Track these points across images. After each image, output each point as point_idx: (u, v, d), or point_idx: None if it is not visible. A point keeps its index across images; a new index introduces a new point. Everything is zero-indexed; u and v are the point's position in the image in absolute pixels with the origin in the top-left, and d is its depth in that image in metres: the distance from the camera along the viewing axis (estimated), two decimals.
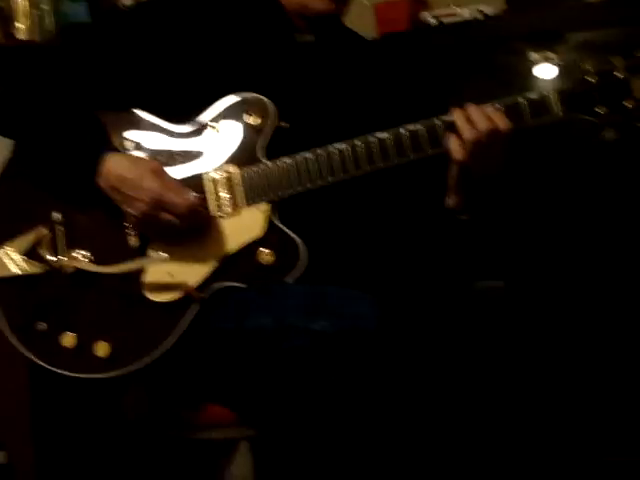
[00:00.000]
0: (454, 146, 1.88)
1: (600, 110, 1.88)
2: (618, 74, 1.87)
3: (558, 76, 3.06)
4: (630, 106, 1.87)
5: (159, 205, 1.86)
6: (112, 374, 1.91)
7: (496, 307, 2.77)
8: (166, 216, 1.87)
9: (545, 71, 3.12)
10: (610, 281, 2.95)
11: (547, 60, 3.11)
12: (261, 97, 1.96)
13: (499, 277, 3.00)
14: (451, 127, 1.89)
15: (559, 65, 3.08)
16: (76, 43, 2.10)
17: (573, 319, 2.92)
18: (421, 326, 2.03)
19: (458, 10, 3.22)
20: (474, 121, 1.86)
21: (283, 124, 1.97)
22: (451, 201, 2.03)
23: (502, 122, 1.87)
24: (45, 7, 3.29)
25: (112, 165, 1.89)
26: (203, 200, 1.93)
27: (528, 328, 2.85)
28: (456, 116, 1.89)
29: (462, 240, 2.65)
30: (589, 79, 1.89)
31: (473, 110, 1.88)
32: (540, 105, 1.89)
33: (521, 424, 2.05)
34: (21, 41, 3.24)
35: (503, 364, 2.01)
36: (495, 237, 2.94)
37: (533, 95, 1.90)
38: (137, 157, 1.94)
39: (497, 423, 1.99)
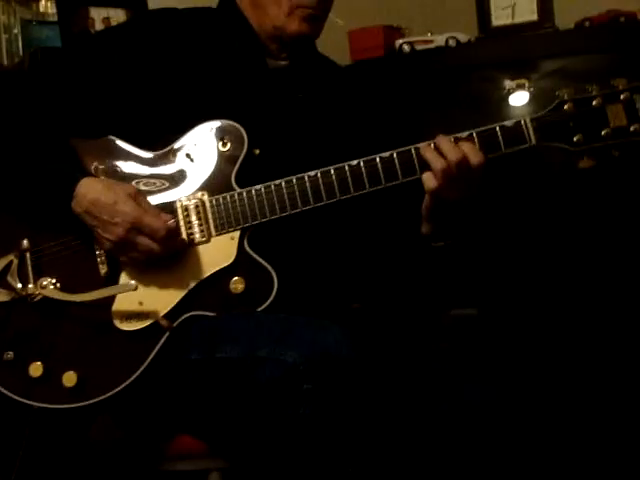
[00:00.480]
0: (426, 176, 1.87)
1: (576, 138, 1.87)
2: (594, 102, 1.87)
3: (531, 102, 3.07)
4: (606, 134, 1.86)
5: (136, 228, 1.84)
6: (79, 404, 1.89)
7: (470, 334, 2.77)
8: (143, 240, 1.85)
9: (518, 98, 3.13)
10: (583, 306, 2.96)
11: (520, 87, 3.12)
12: (234, 124, 1.95)
13: (473, 305, 3.00)
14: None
15: (532, 92, 3.09)
16: (45, 67, 2.07)
17: (546, 344, 2.92)
18: (394, 354, 2.03)
19: (432, 37, 3.22)
20: (444, 152, 1.85)
21: (256, 151, 1.97)
22: (425, 229, 2.02)
23: (472, 152, 1.85)
24: (15, 31, 3.27)
25: (87, 189, 1.87)
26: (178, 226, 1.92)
27: (501, 354, 2.85)
28: (425, 148, 1.87)
29: (436, 268, 2.65)
30: (565, 107, 1.87)
31: (442, 141, 1.87)
32: (514, 133, 1.87)
33: (493, 453, 2.04)
34: None
35: (477, 390, 2.00)
36: (468, 265, 2.94)
37: (507, 123, 1.89)
38: (112, 181, 1.91)
39: (472, 450, 1.97)
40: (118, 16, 3.28)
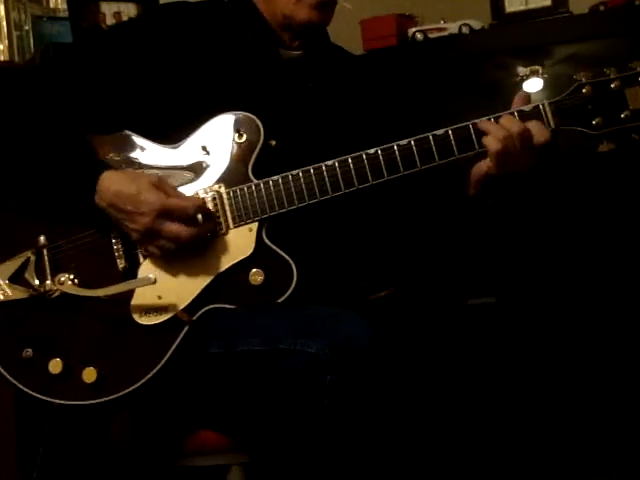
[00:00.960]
0: (488, 139, 1.85)
1: (595, 122, 1.86)
2: (613, 85, 1.85)
3: (546, 89, 3.05)
4: (625, 117, 1.85)
5: (163, 215, 1.83)
6: (99, 400, 1.88)
7: (488, 322, 2.76)
8: (171, 226, 1.83)
9: (533, 85, 3.11)
10: (602, 296, 2.94)
11: (535, 74, 3.10)
12: (250, 116, 1.94)
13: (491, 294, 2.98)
14: (443, 140, 1.87)
15: (546, 78, 3.07)
16: (57, 63, 2.06)
17: (563, 333, 2.90)
18: (414, 343, 2.02)
19: (445, 25, 3.20)
20: (494, 132, 1.85)
21: (272, 142, 1.95)
22: (474, 190, 1.99)
23: (537, 128, 1.85)
24: (26, 27, 3.26)
25: (109, 182, 1.86)
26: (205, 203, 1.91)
27: (519, 342, 2.84)
28: (484, 126, 1.86)
29: (455, 258, 2.64)
30: (583, 90, 1.86)
31: (502, 120, 1.86)
32: (533, 117, 1.87)
33: (514, 440, 2.03)
34: (0, 62, 3.21)
35: (496, 378, 1.99)
36: (487, 256, 2.93)
37: (525, 108, 1.88)
38: (134, 172, 1.91)
39: (490, 439, 1.96)
40: (129, 10, 3.28)
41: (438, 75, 3.24)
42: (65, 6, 3.28)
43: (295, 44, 2.11)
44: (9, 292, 1.93)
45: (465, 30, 3.19)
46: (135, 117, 1.98)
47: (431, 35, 3.24)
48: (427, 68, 3.27)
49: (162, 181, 1.87)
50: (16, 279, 1.93)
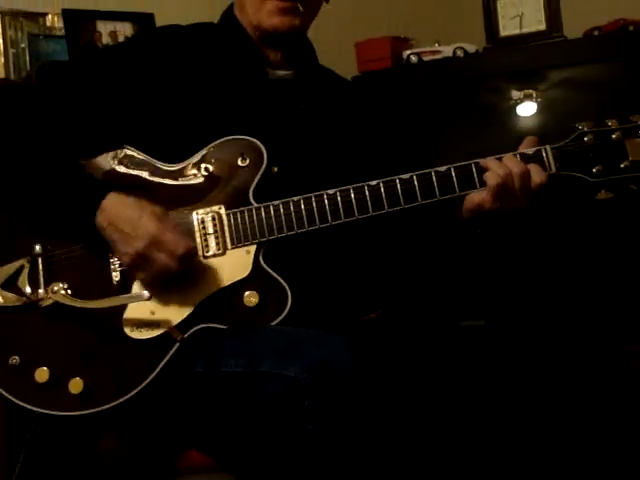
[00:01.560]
0: (488, 174, 1.91)
1: (595, 169, 1.92)
2: (614, 136, 1.92)
3: (540, 112, 3.07)
4: (625, 167, 1.91)
5: (155, 244, 1.83)
6: (84, 412, 1.87)
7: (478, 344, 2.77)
8: (161, 257, 1.84)
9: (527, 109, 3.13)
10: (590, 317, 2.96)
11: (528, 97, 3.12)
12: (256, 141, 1.95)
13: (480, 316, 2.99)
14: (445, 177, 1.91)
15: (540, 102, 3.09)
16: (52, 80, 2.07)
17: (551, 354, 2.92)
18: (401, 366, 2.02)
19: (439, 48, 3.22)
20: (495, 169, 1.90)
21: (274, 169, 1.97)
22: (463, 217, 2.02)
23: (536, 170, 1.91)
24: (22, 45, 3.27)
25: (116, 202, 1.87)
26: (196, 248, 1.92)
27: (508, 364, 2.85)
28: (485, 163, 1.92)
29: (446, 282, 2.64)
30: (585, 139, 1.92)
31: (505, 159, 1.92)
32: (534, 160, 1.93)
33: (503, 461, 2.03)
34: None
35: (485, 401, 1.99)
36: (477, 279, 2.94)
37: (528, 151, 1.94)
38: (141, 200, 1.90)
39: (477, 461, 1.97)
40: (125, 29, 3.28)
41: (432, 98, 3.26)
42: (61, 24, 3.27)
43: (279, 59, 2.13)
44: (0, 299, 1.92)
45: (460, 53, 3.21)
46: (130, 136, 1.99)
47: (426, 58, 3.25)
48: (421, 91, 3.28)
49: (165, 215, 1.88)
50: (8, 286, 1.92)
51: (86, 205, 1.87)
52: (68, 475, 2.43)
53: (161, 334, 1.88)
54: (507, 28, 3.22)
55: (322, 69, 2.27)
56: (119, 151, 1.98)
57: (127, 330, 1.88)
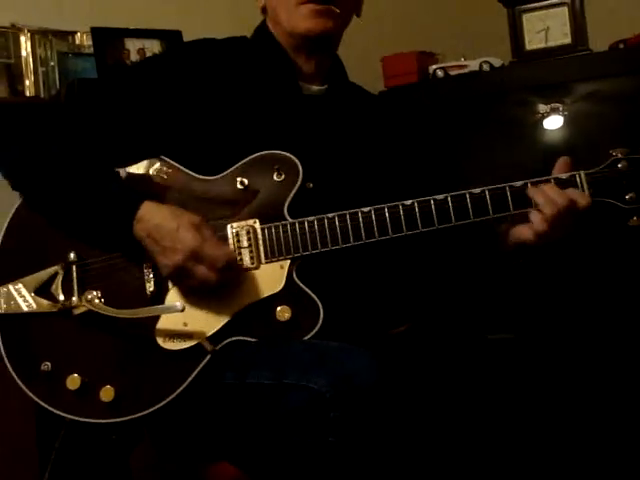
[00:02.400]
0: (536, 219, 1.92)
1: (628, 196, 1.93)
2: None
3: (566, 125, 3.07)
4: None
5: (196, 257, 1.84)
6: (114, 420, 1.88)
7: (506, 357, 2.77)
8: (201, 269, 1.85)
9: (553, 122, 3.13)
10: (614, 336, 2.95)
11: (555, 111, 3.12)
12: (292, 157, 1.96)
13: (510, 330, 2.99)
14: (477, 200, 1.93)
15: (567, 116, 3.09)
16: (82, 97, 2.09)
17: (578, 368, 2.92)
18: (428, 379, 2.02)
19: (465, 62, 3.23)
20: (552, 197, 1.91)
21: (309, 185, 1.99)
22: (508, 249, 2.04)
23: (580, 197, 1.92)
24: (51, 63, 3.30)
25: (152, 214, 1.88)
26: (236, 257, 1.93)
27: (537, 377, 2.85)
28: (534, 190, 1.93)
29: (475, 295, 2.65)
30: (619, 165, 1.94)
31: (548, 188, 1.93)
32: (568, 186, 1.94)
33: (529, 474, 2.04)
34: (27, 97, 3.25)
35: (511, 415, 2.00)
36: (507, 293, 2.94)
37: (562, 176, 1.95)
38: (177, 208, 1.91)
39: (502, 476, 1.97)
40: (153, 47, 3.31)
41: (459, 112, 3.26)
42: (90, 42, 3.31)
43: (312, 71, 2.14)
44: (34, 305, 1.93)
45: (486, 67, 3.21)
46: (164, 150, 2.00)
47: (452, 72, 3.26)
48: (448, 105, 3.29)
49: (202, 224, 1.88)
50: (42, 292, 1.93)
51: (122, 215, 1.88)
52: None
53: (193, 345, 1.88)
54: (533, 42, 3.22)
55: (352, 85, 2.28)
56: (154, 159, 1.99)
57: (159, 340, 1.89)
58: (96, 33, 3.24)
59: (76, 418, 1.90)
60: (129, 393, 1.88)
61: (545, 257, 2.05)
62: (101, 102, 2.03)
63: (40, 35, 3.32)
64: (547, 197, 1.91)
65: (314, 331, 1.87)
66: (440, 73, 3.27)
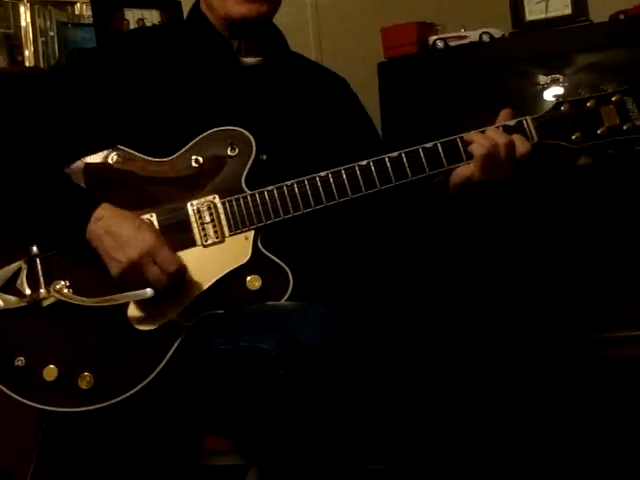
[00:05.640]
0: (474, 146, 1.98)
1: (574, 136, 2.02)
2: (589, 104, 2.04)
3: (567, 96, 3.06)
4: (601, 133, 2.01)
5: (151, 256, 1.87)
6: (96, 406, 1.90)
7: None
8: (154, 269, 1.87)
9: (554, 93, 3.12)
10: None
11: (555, 82, 3.11)
12: (243, 131, 1.99)
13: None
14: (431, 153, 1.98)
15: (567, 87, 3.08)
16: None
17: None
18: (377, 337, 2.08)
19: (465, 33, 3.22)
20: (489, 135, 1.99)
21: (263, 157, 2.03)
22: (450, 192, 2.07)
23: (520, 141, 2.00)
24: (51, 33, 3.30)
25: (111, 211, 1.91)
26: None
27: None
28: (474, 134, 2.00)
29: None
30: (562, 108, 2.04)
31: (487, 130, 2.01)
32: (517, 131, 2.01)
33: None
34: (26, 68, 3.25)
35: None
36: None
37: (510, 122, 2.03)
38: (130, 212, 1.93)
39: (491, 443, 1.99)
40: (152, 17, 3.31)
41: (459, 83, 3.25)
42: (90, 13, 3.32)
43: (248, 47, 2.15)
44: (0, 302, 1.94)
45: (486, 38, 3.20)
46: (119, 137, 2.02)
47: (452, 43, 3.24)
48: (448, 76, 3.27)
49: (158, 230, 1.92)
50: (7, 289, 1.94)
51: (78, 215, 1.90)
52: (96, 460, 2.45)
53: (167, 324, 1.91)
54: (533, 12, 3.20)
55: (293, 54, 2.30)
56: (110, 150, 2.01)
57: (132, 322, 1.92)
58: (95, 3, 3.25)
59: (57, 409, 1.92)
60: (108, 378, 1.90)
61: (489, 200, 2.10)
62: (49, 101, 2.06)
63: (40, 5, 3.33)
64: (485, 135, 1.99)
65: (286, 296, 1.91)
66: (440, 44, 3.25)
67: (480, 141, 1.97)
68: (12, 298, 1.94)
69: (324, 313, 1.81)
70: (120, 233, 1.87)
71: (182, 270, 1.91)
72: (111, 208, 1.91)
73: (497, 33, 3.20)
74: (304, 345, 1.74)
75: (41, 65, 3.29)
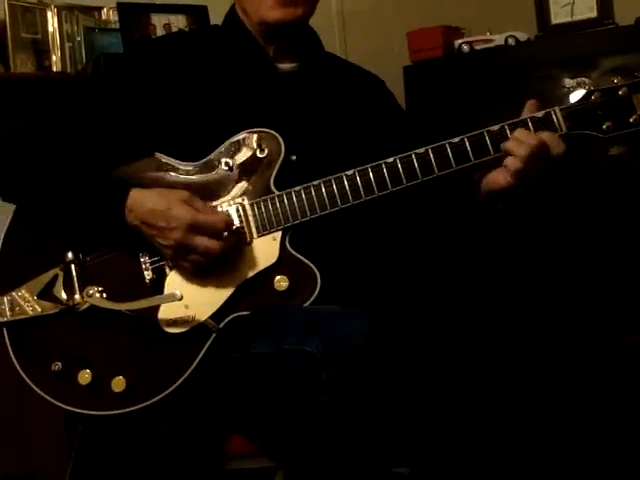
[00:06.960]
0: (509, 159, 1.93)
1: (605, 126, 1.95)
2: (620, 92, 1.95)
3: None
4: (634, 121, 1.94)
5: (194, 229, 1.86)
6: (129, 409, 1.91)
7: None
8: (202, 240, 1.87)
9: (579, 96, 3.11)
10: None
11: (581, 85, 3.10)
12: (272, 132, 1.99)
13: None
14: (457, 148, 1.94)
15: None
16: (106, 73, 2.11)
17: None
18: (424, 339, 2.05)
19: (491, 37, 3.22)
20: (522, 139, 1.92)
21: (292, 157, 2.02)
22: (485, 196, 2.05)
23: (553, 141, 1.94)
24: (78, 39, 3.32)
25: (141, 200, 1.90)
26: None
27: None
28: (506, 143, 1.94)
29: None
30: (592, 97, 1.99)
31: (517, 133, 1.94)
32: (545, 123, 1.96)
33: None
34: (54, 73, 3.27)
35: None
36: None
37: (538, 114, 1.97)
38: (163, 189, 1.95)
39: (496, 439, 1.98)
40: (179, 22, 3.33)
41: (484, 86, 3.25)
42: (116, 18, 3.33)
43: (284, 52, 2.16)
44: (38, 308, 1.96)
45: (511, 42, 3.20)
46: (153, 147, 2.03)
47: (477, 47, 3.25)
48: (473, 80, 3.28)
49: (192, 197, 1.91)
50: (44, 295, 1.96)
51: (113, 208, 1.91)
52: (125, 461, 2.46)
53: (197, 327, 1.91)
54: (558, 16, 3.21)
55: (329, 56, 2.30)
56: (149, 159, 2.02)
57: (163, 325, 1.92)
58: (122, 8, 3.27)
59: (91, 412, 1.94)
60: (140, 381, 1.90)
61: (523, 201, 2.06)
62: (88, 108, 2.07)
63: (66, 11, 3.35)
64: (517, 140, 1.92)
65: (314, 296, 1.90)
66: (466, 48, 3.26)
67: (516, 151, 1.92)
68: (49, 304, 1.95)
69: (367, 316, 1.80)
70: (155, 222, 1.87)
71: (230, 223, 1.91)
72: (139, 195, 1.91)
73: (523, 37, 3.21)
74: (350, 347, 1.73)
75: (68, 70, 3.31)
